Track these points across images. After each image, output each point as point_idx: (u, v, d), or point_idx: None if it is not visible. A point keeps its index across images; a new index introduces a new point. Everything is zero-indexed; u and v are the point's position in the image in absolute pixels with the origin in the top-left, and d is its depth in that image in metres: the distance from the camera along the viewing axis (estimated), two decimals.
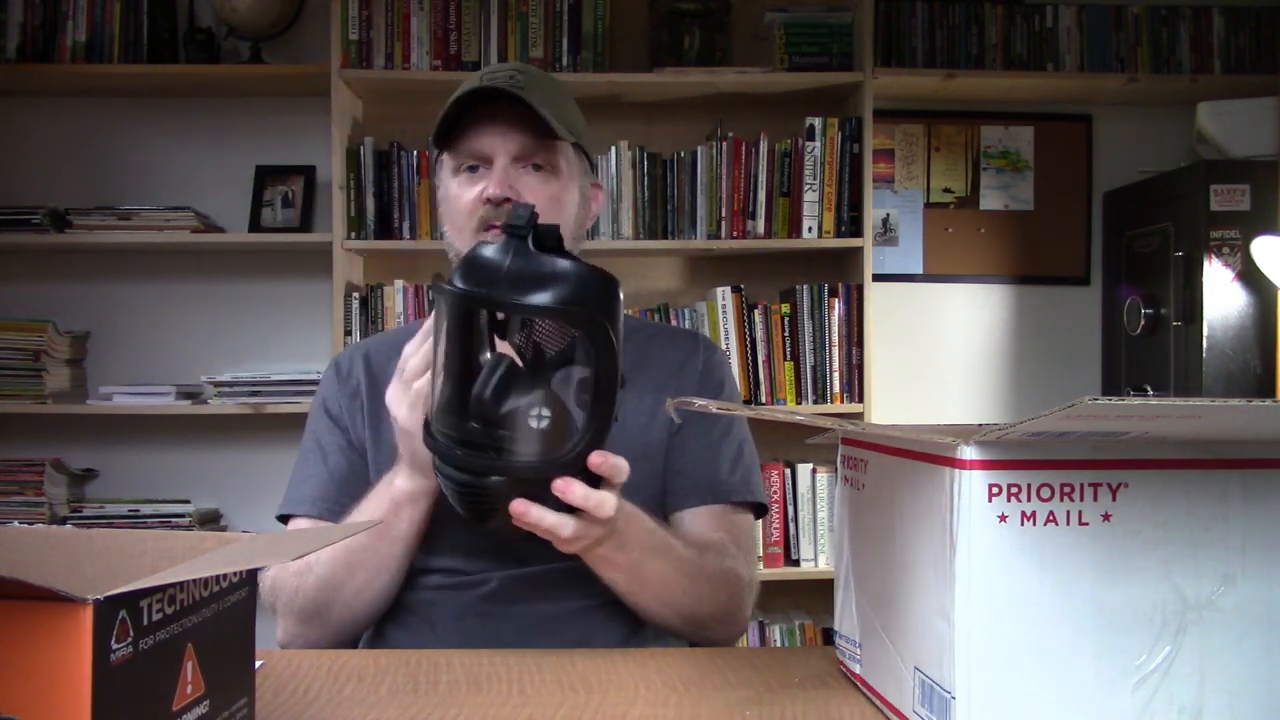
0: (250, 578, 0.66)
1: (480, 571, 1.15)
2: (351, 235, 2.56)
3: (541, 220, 0.91)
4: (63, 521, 2.62)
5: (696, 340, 1.34)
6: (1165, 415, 0.62)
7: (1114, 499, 0.69)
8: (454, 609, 1.15)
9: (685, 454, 1.23)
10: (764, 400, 2.64)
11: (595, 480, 0.89)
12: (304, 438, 1.29)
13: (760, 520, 1.50)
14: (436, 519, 1.15)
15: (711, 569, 1.13)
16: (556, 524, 0.89)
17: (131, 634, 0.53)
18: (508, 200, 1.16)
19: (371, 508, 1.12)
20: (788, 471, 2.65)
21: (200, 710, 0.59)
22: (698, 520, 1.21)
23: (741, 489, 1.25)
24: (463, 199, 1.19)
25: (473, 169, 1.19)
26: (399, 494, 1.09)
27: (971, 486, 0.67)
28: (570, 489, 0.87)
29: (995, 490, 0.67)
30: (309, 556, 1.09)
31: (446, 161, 1.22)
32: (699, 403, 0.81)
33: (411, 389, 1.02)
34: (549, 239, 0.86)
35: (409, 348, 1.04)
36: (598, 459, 0.87)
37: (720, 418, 1.25)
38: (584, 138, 1.25)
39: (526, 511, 0.88)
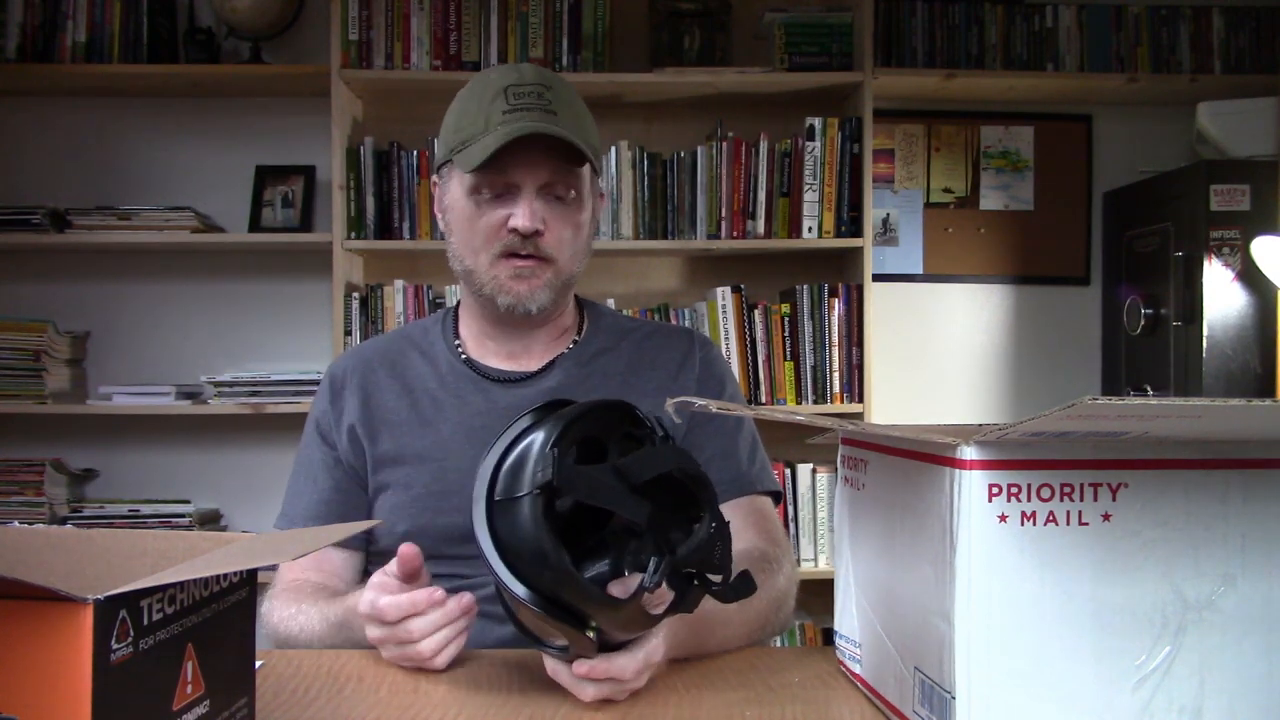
0: (250, 578, 0.66)
1: (479, 574, 1.15)
2: (351, 235, 2.56)
3: (560, 248, 1.12)
4: (63, 521, 2.61)
5: (691, 338, 1.33)
6: (1165, 415, 0.62)
7: (1114, 499, 0.69)
8: None
9: (704, 450, 1.22)
10: (764, 400, 2.64)
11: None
12: (299, 448, 1.30)
13: None
14: (435, 524, 1.16)
15: (764, 603, 1.09)
16: (573, 689, 0.86)
17: (131, 634, 0.53)
18: (538, 233, 1.16)
19: (349, 633, 1.08)
20: (788, 471, 2.65)
21: (200, 710, 0.59)
22: (728, 516, 1.20)
23: (763, 478, 1.27)
24: (483, 222, 1.17)
25: (493, 187, 1.17)
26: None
27: (971, 486, 0.67)
28: (589, 678, 0.84)
29: (995, 490, 0.67)
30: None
31: (460, 175, 1.19)
32: (699, 403, 0.81)
33: (411, 655, 0.95)
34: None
35: (412, 615, 0.94)
36: (584, 670, 0.83)
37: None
38: (600, 152, 1.25)
39: (557, 671, 0.86)
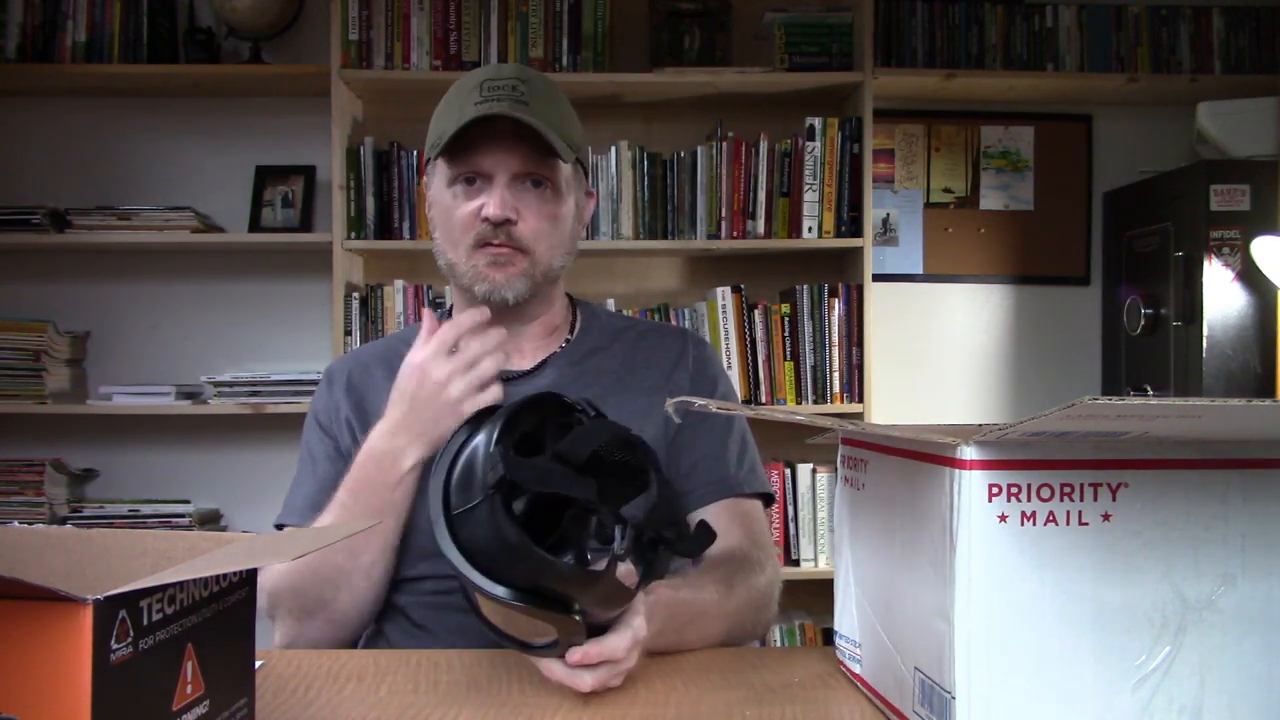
0: (250, 578, 0.66)
1: None
2: (351, 235, 2.56)
3: (536, 238, 1.13)
4: (63, 521, 2.61)
5: (685, 337, 1.33)
6: (1165, 415, 0.62)
7: (1114, 499, 0.69)
8: (452, 611, 1.15)
9: (693, 451, 1.22)
10: (764, 400, 2.64)
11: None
12: (301, 447, 1.30)
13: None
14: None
15: (743, 600, 1.10)
16: (570, 682, 0.86)
17: (131, 634, 0.53)
18: (508, 221, 1.16)
19: (367, 495, 1.12)
20: (788, 471, 2.65)
21: (200, 710, 0.59)
22: (713, 518, 1.19)
23: (751, 480, 1.26)
24: (459, 212, 1.18)
25: (469, 180, 1.18)
26: (403, 471, 1.11)
27: (971, 486, 0.67)
28: (582, 665, 0.84)
29: (995, 490, 0.67)
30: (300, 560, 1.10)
31: (441, 168, 1.21)
32: (699, 403, 0.81)
33: (474, 382, 1.10)
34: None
35: (474, 349, 1.11)
36: (578, 657, 0.83)
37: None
38: (582, 149, 1.25)
39: (551, 669, 0.86)
